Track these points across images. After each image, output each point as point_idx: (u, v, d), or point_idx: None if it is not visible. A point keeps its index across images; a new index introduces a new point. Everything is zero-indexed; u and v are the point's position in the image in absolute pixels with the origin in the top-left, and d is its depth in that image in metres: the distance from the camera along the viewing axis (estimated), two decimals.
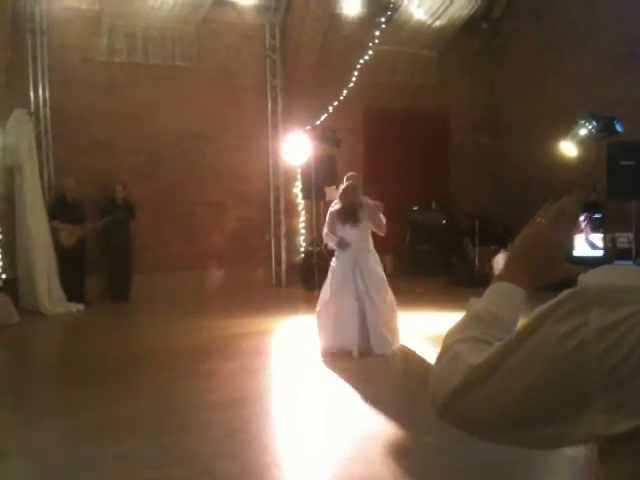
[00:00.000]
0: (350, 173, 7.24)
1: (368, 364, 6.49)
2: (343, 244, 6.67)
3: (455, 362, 0.92)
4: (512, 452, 4.19)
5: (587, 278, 0.83)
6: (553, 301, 0.84)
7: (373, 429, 4.62)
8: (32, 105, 9.62)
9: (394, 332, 6.76)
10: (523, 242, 1.09)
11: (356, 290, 6.56)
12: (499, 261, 10.54)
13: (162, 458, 4.11)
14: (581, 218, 1.28)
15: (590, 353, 0.77)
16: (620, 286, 0.79)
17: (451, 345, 0.97)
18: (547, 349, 0.80)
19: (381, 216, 6.67)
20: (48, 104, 9.77)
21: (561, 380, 0.79)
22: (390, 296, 6.74)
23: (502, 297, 1.04)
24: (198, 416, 4.90)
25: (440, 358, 0.97)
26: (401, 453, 4.21)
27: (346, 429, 4.69)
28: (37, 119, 9.64)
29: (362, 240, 6.68)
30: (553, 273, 1.07)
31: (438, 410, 0.93)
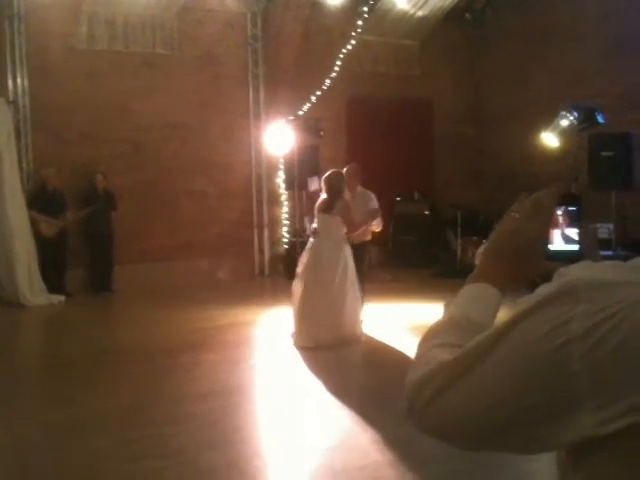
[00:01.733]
0: (350, 165, 7.39)
1: (350, 354, 6.50)
2: (314, 232, 6.86)
3: (429, 364, 0.88)
4: None
5: (571, 272, 0.79)
6: (536, 296, 0.79)
7: (355, 419, 4.62)
8: (10, 94, 9.46)
9: (331, 325, 6.57)
10: (497, 239, 1.03)
11: (307, 278, 6.72)
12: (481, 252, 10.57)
13: (145, 450, 4.09)
14: (559, 211, 1.25)
15: (575, 352, 0.73)
16: (607, 281, 0.76)
17: (426, 351, 0.93)
18: (530, 346, 0.76)
19: (358, 216, 6.83)
20: (27, 92, 9.61)
21: (545, 379, 0.75)
22: (337, 290, 6.59)
23: (477, 299, 0.99)
24: (180, 408, 4.88)
25: (415, 365, 0.92)
26: (384, 443, 4.22)
27: (328, 419, 4.69)
28: (16, 108, 9.50)
29: (330, 231, 6.72)
30: (529, 271, 1.02)
31: (415, 418, 0.88)
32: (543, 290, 0.79)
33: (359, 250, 6.95)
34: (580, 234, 1.08)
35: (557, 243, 1.08)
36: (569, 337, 0.74)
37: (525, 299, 0.80)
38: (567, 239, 1.08)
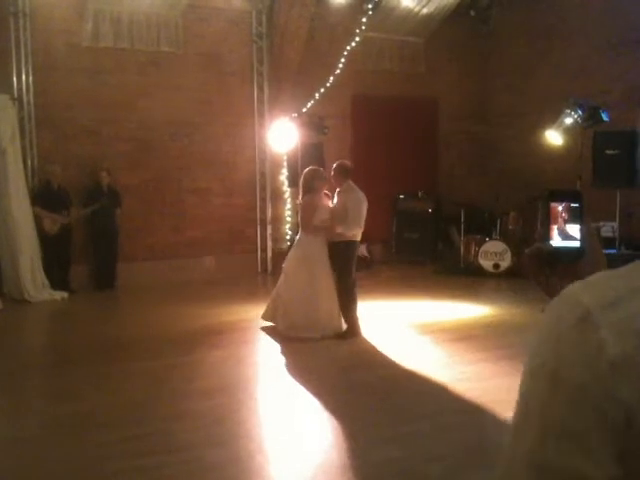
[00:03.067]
0: (337, 162, 7.34)
1: (353, 352, 6.51)
2: None
3: None
4: (498, 441, 4.22)
5: (577, 295, 0.75)
6: (547, 336, 0.75)
7: (358, 416, 4.64)
8: (15, 90, 9.48)
9: (292, 318, 6.91)
10: None
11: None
12: (485, 250, 10.58)
13: (150, 445, 4.11)
14: (559, 207, 1.25)
15: (608, 384, 0.70)
16: (618, 297, 0.73)
17: None
18: (574, 390, 0.71)
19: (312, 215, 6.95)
20: (32, 89, 9.63)
21: (599, 408, 0.70)
22: (303, 287, 6.85)
23: None
24: (185, 404, 4.90)
25: None
26: (387, 440, 4.23)
27: (331, 416, 4.70)
28: (20, 104, 9.52)
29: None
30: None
31: None
32: (551, 323, 0.76)
33: (331, 249, 6.96)
34: (581, 231, 1.07)
35: (556, 240, 1.08)
36: (608, 363, 0.70)
37: (540, 340, 0.76)
38: (566, 236, 1.07)
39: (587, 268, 1.04)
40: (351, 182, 7.11)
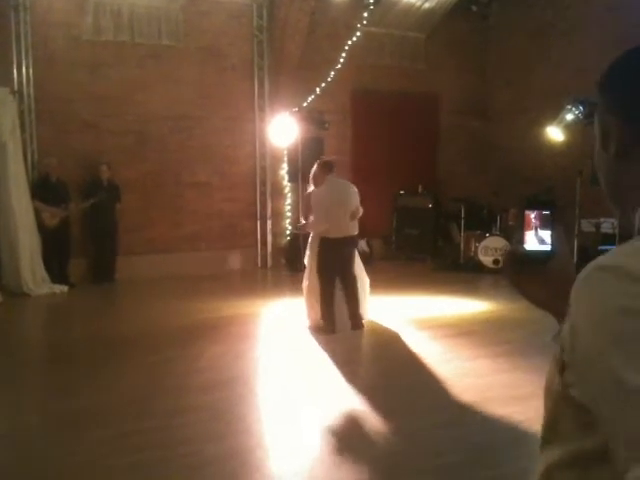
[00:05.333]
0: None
1: (352, 346, 6.52)
2: None
3: None
4: (496, 438, 4.23)
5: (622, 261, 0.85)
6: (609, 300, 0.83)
7: (359, 411, 4.65)
8: (15, 83, 9.46)
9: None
10: None
11: None
12: (485, 246, 10.58)
13: (149, 440, 4.11)
14: (532, 215, 1.33)
15: None
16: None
17: None
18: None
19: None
20: (32, 82, 9.61)
21: None
22: (310, 278, 7.02)
23: None
24: (184, 398, 4.90)
25: None
26: (387, 435, 4.24)
27: (331, 411, 4.71)
28: (20, 97, 9.50)
29: None
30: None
31: None
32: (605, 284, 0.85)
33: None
34: (552, 237, 1.17)
35: (532, 244, 1.17)
36: None
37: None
38: (541, 240, 1.18)
39: (555, 270, 1.16)
40: (332, 176, 6.91)
